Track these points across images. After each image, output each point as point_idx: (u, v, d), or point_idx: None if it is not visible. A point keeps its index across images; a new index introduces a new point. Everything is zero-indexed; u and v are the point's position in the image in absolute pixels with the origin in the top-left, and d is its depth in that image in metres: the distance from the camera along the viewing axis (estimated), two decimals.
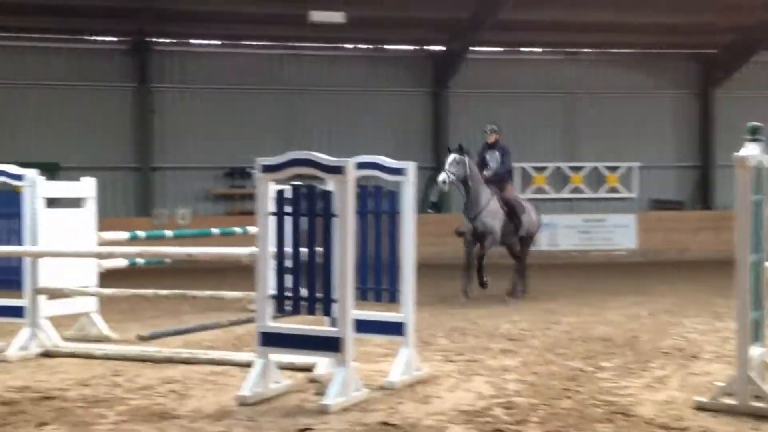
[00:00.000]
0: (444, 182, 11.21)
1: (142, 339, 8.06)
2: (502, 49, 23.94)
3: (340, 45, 23.33)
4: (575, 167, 24.03)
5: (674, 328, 8.92)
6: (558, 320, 9.56)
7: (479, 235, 11.27)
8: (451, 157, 11.30)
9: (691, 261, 19.91)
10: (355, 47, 23.55)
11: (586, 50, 24.29)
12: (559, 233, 21.98)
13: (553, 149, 24.05)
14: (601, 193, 24.05)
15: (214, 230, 10.62)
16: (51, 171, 17.72)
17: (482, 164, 11.82)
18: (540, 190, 23.74)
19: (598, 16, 21.20)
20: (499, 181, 11.80)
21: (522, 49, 24.14)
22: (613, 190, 24.05)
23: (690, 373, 6.50)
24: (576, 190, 23.99)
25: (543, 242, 21.64)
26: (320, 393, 5.63)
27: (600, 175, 24.15)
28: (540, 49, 24.28)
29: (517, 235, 11.79)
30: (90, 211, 8.36)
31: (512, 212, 11.58)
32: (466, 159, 11.34)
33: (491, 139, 11.95)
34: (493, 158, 11.86)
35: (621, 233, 22.15)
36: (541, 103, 23.91)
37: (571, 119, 24.21)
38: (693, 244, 21.52)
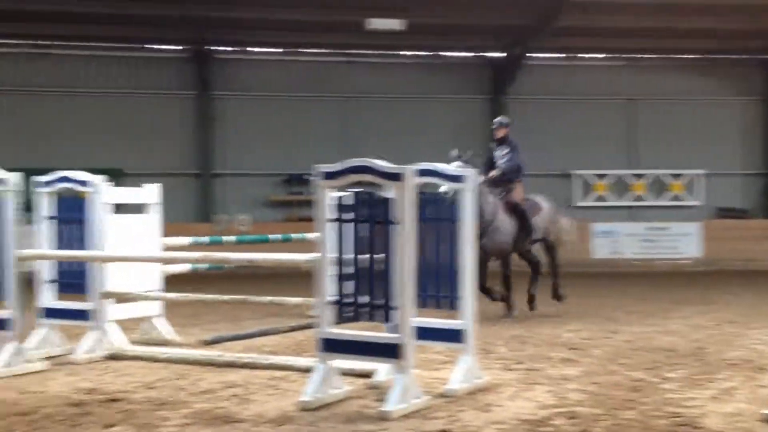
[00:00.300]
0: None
1: (206, 343, 8.17)
2: (562, 56, 23.74)
3: (399, 52, 23.40)
4: (637, 174, 23.68)
5: (740, 339, 8.71)
6: (620, 329, 9.41)
7: (489, 255, 10.49)
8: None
9: (757, 270, 19.42)
10: (413, 54, 23.60)
11: (648, 56, 23.92)
12: (621, 241, 21.69)
13: (614, 156, 23.74)
14: (664, 201, 23.66)
15: (275, 236, 10.61)
16: (115, 177, 18.06)
17: (490, 164, 11.11)
18: (600, 198, 23.45)
19: (659, 21, 20.87)
20: (507, 181, 10.95)
21: (582, 55, 23.90)
22: (677, 198, 23.63)
23: (758, 385, 6.33)
24: (638, 198, 23.63)
25: (605, 250, 21.42)
26: (380, 399, 5.64)
27: (662, 183, 23.75)
28: (601, 55, 24.01)
29: (528, 240, 10.91)
30: (154, 217, 8.50)
31: (520, 216, 10.74)
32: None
33: (499, 133, 11.14)
34: (501, 156, 11.05)
35: (685, 242, 21.76)
36: (602, 110, 23.64)
37: (633, 126, 23.87)
38: (759, 254, 21.00)
